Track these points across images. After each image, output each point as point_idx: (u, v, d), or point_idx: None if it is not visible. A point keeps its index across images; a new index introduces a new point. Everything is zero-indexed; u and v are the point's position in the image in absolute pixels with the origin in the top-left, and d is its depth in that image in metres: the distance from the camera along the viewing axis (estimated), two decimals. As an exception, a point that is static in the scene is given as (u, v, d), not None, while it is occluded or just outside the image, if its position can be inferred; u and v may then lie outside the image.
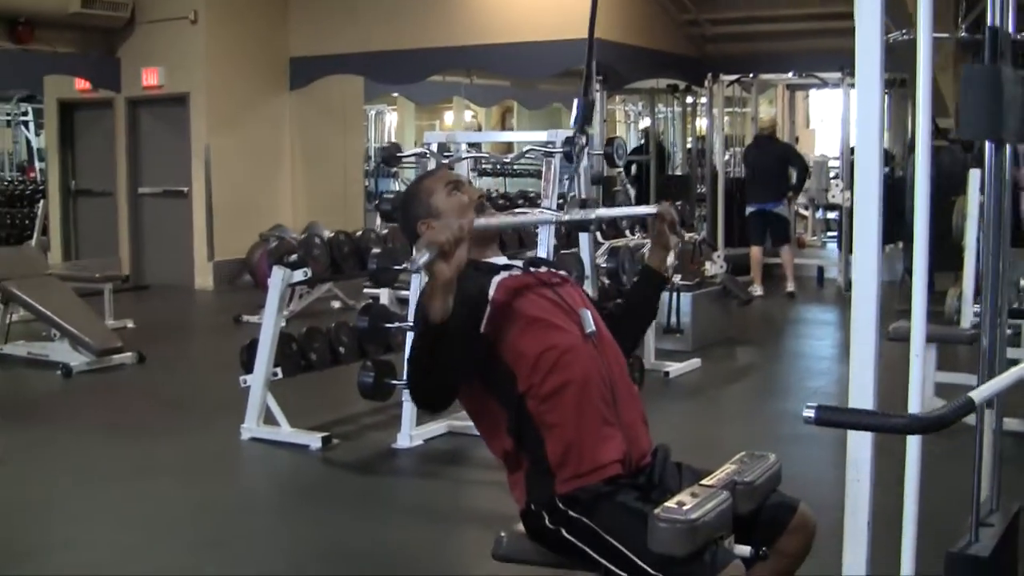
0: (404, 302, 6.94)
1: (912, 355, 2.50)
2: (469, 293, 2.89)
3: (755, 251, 13.18)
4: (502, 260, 3.27)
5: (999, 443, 2.82)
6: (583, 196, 6.97)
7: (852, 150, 8.16)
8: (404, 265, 6.45)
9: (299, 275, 6.87)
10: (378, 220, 8.68)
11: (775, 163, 13.28)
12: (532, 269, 3.25)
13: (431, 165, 7.00)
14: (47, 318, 9.07)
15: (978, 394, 2.16)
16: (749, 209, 13.49)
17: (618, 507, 2.94)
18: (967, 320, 7.22)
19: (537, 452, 3.02)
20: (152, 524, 5.47)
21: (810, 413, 2.20)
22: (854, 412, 2.25)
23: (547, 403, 3.00)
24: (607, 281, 7.86)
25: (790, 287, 13.12)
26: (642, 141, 19.97)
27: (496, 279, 3.13)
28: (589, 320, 3.16)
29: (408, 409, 6.67)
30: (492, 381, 3.06)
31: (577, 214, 4.27)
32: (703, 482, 2.79)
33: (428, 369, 2.83)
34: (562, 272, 3.35)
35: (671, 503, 2.63)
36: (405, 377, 2.99)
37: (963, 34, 10.03)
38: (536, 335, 3.05)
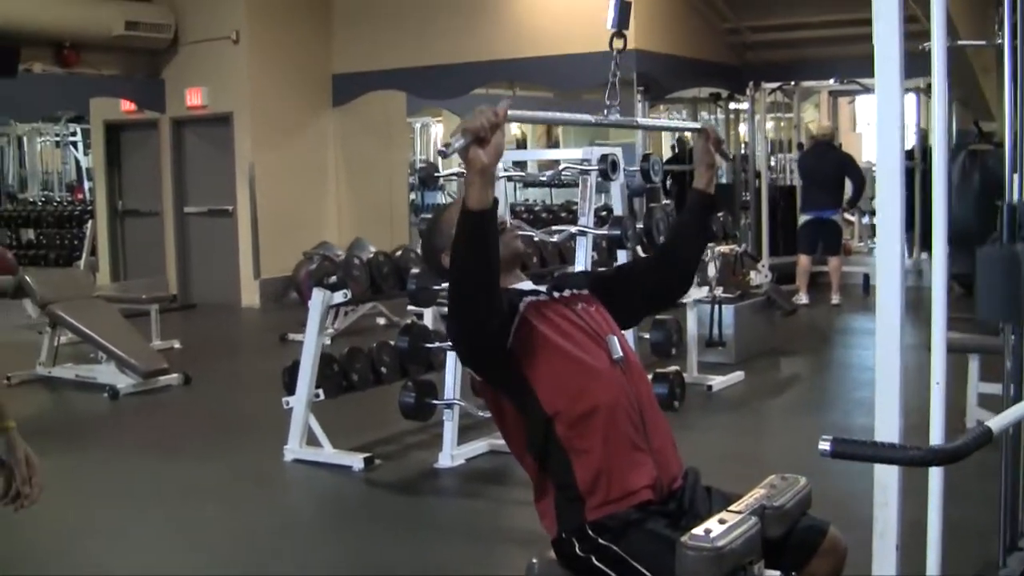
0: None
1: (932, 382, 2.49)
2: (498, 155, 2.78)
3: (803, 260, 13.10)
4: (527, 285, 3.27)
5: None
6: (618, 212, 6.96)
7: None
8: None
9: (339, 297, 6.90)
10: (419, 241, 8.70)
11: (833, 171, 13.18)
12: (556, 294, 3.24)
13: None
14: (93, 340, 9.15)
15: (996, 423, 2.15)
16: (804, 217, 13.41)
17: (647, 534, 2.93)
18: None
19: (566, 478, 3.02)
20: (193, 547, 5.52)
21: (825, 446, 2.19)
22: (871, 445, 2.23)
23: (576, 428, 3.00)
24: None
25: (835, 299, 13.04)
26: (675, 151, 19.99)
27: (525, 300, 3.13)
28: (616, 346, 3.15)
29: (449, 429, 6.69)
30: (520, 403, 3.06)
31: (614, 115, 3.90)
32: (732, 507, 2.77)
33: (466, 260, 2.81)
34: (586, 291, 3.33)
35: (698, 530, 2.62)
36: (449, 308, 2.94)
37: (1000, 41, 9.95)
38: (563, 361, 3.05)
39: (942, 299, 2.46)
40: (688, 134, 18.16)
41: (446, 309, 3.06)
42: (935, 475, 2.54)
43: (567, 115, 3.17)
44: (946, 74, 2.47)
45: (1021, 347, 2.78)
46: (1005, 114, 2.70)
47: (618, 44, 4.29)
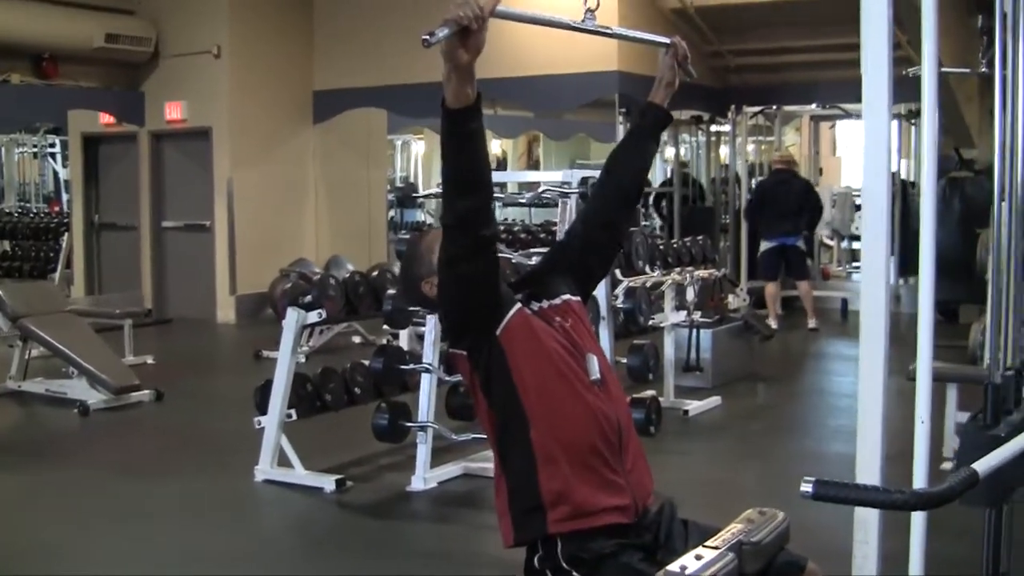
0: (423, 338, 6.92)
1: (917, 420, 2.43)
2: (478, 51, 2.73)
3: (770, 287, 13.06)
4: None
5: (1012, 513, 2.74)
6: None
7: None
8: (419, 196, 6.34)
9: (313, 316, 6.84)
10: (396, 260, 8.64)
11: (794, 198, 13.14)
12: (534, 308, 3.14)
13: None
14: (64, 355, 9.06)
15: (983, 465, 2.09)
16: (766, 244, 13.38)
17: (622, 568, 2.88)
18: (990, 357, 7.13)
19: (528, 482, 2.95)
20: (159, 569, 5.44)
21: (807, 488, 2.13)
22: (854, 487, 2.17)
23: (549, 436, 2.94)
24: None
25: (812, 323, 13.02)
26: (668, 174, 19.94)
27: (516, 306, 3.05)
28: (595, 366, 3.08)
29: (423, 452, 6.62)
30: (495, 393, 2.99)
31: (591, 22, 3.85)
32: (708, 543, 2.71)
33: (456, 164, 2.75)
34: (559, 300, 3.19)
35: (674, 566, 2.55)
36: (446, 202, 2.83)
37: (984, 69, 9.96)
38: (547, 368, 2.97)
39: (928, 334, 2.40)
40: (676, 158, 18.18)
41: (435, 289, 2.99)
42: (917, 522, 2.47)
43: (549, 16, 3.11)
44: (937, 102, 2.42)
45: (1010, 383, 2.73)
46: (995, 142, 2.65)
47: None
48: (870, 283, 2.68)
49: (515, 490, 2.98)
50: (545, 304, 3.18)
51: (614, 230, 3.43)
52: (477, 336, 2.95)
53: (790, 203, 13.09)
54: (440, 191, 2.80)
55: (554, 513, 2.92)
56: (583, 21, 3.19)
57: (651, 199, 17.63)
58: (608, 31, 3.44)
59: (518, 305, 3.01)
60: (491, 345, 2.94)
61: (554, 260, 3.39)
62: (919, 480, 2.46)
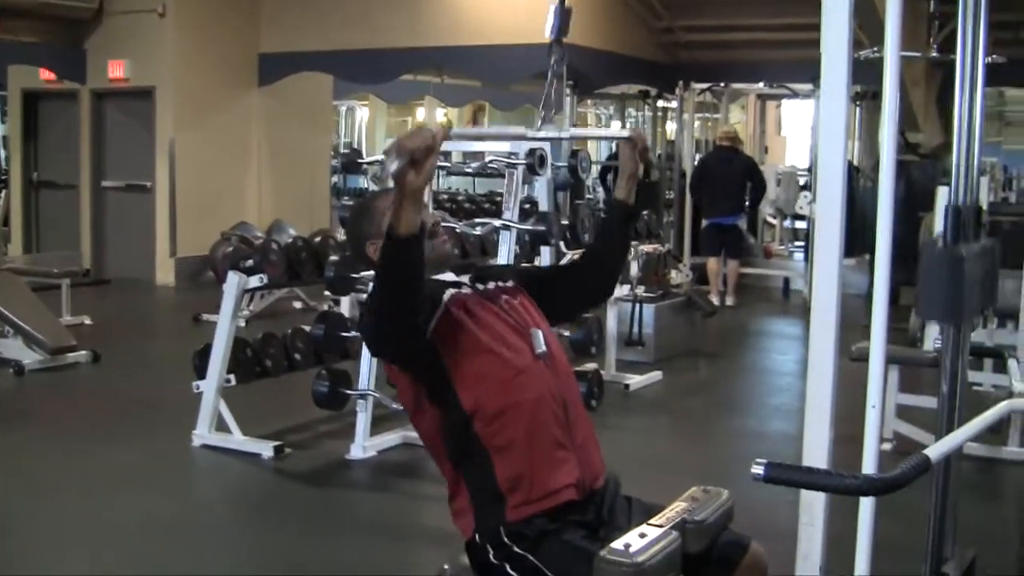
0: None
1: (868, 405, 2.42)
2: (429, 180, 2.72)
3: (712, 262, 13.10)
4: (450, 276, 3.16)
5: (956, 491, 2.74)
6: (545, 208, 6.89)
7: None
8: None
9: (255, 281, 6.77)
10: (339, 226, 8.57)
11: (735, 176, 13.15)
12: (480, 287, 3.14)
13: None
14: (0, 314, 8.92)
15: (934, 451, 2.08)
16: (705, 222, 13.43)
17: (564, 545, 2.85)
18: (930, 340, 7.19)
19: (486, 476, 2.92)
20: (93, 536, 5.36)
21: (759, 470, 2.11)
22: (806, 471, 2.16)
23: (495, 424, 2.91)
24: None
25: (729, 300, 13.13)
26: (613, 148, 19.88)
27: (448, 292, 3.02)
28: (540, 340, 3.06)
29: (362, 420, 6.57)
30: (437, 397, 2.96)
31: (551, 130, 3.98)
32: (652, 521, 2.70)
33: (392, 284, 2.73)
34: (510, 283, 3.24)
35: (617, 544, 2.54)
36: (367, 318, 2.87)
37: (935, 53, 10.02)
38: (485, 356, 2.95)
39: (883, 318, 2.39)
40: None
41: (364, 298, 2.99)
42: (866, 507, 2.47)
43: (502, 130, 3.12)
44: (898, 85, 2.40)
45: (958, 366, 2.72)
46: (954, 121, 2.64)
47: (558, 52, 4.26)
48: (823, 270, 2.67)
49: (478, 487, 2.95)
50: (491, 285, 3.17)
51: (588, 302, 3.66)
52: (409, 350, 2.93)
53: (731, 181, 13.10)
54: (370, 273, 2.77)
55: (513, 499, 2.90)
56: (538, 128, 3.21)
57: (597, 172, 17.59)
58: (565, 135, 3.48)
59: (446, 297, 2.99)
60: (425, 347, 2.91)
61: (521, 270, 3.42)
62: (869, 465, 2.44)
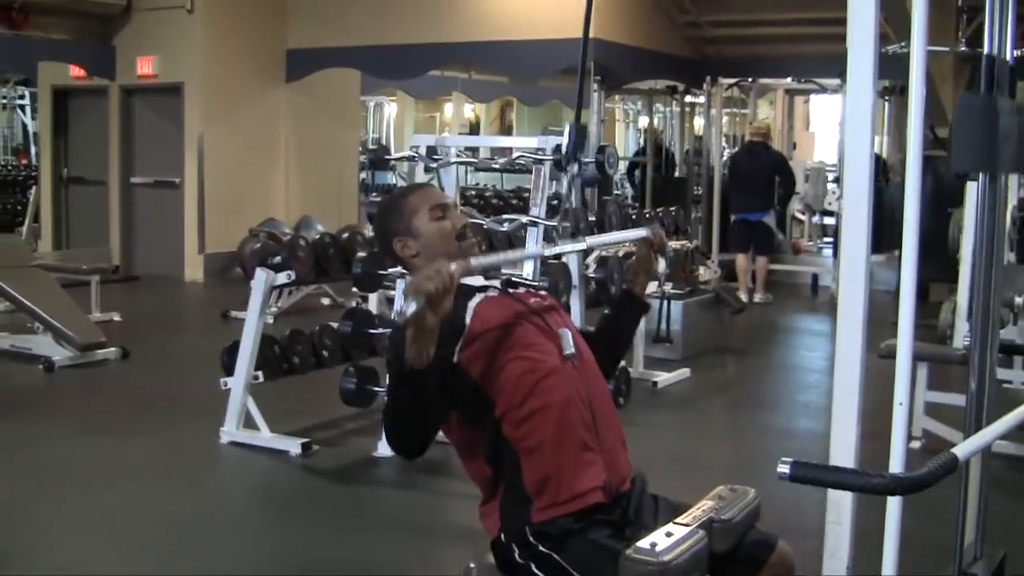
0: (392, 302, 6.88)
1: (896, 402, 2.40)
2: (446, 319, 2.77)
3: (740, 259, 13.06)
4: (479, 281, 3.15)
5: (985, 490, 2.72)
6: (574, 205, 6.87)
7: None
8: (388, 272, 6.31)
9: (282, 278, 6.79)
10: (367, 223, 8.58)
11: (764, 172, 13.09)
12: (510, 291, 3.14)
13: (419, 168, 6.93)
14: (29, 310, 8.97)
15: (962, 450, 2.06)
16: (733, 217, 13.40)
17: (590, 544, 2.85)
18: (960, 337, 7.13)
19: (514, 478, 2.92)
20: (120, 530, 5.37)
21: (784, 470, 2.10)
22: (832, 470, 2.14)
23: (524, 427, 2.91)
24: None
25: (758, 297, 13.06)
26: (641, 144, 19.87)
27: (472, 303, 3.02)
28: (569, 341, 3.06)
29: (390, 416, 6.57)
30: (469, 408, 2.96)
31: (567, 245, 4.12)
32: (678, 520, 2.69)
33: (405, 415, 2.77)
34: (542, 291, 3.24)
35: (643, 543, 2.53)
36: (384, 421, 2.89)
37: (963, 47, 9.95)
38: (514, 359, 2.94)
39: (910, 315, 2.38)
40: (651, 128, 18.14)
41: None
42: (893, 507, 2.45)
43: (517, 254, 3.14)
44: (924, 80, 2.38)
45: (987, 363, 2.70)
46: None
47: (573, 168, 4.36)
48: (850, 266, 2.66)
49: (506, 489, 2.95)
50: (521, 290, 3.18)
51: None
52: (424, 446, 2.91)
53: (759, 177, 13.05)
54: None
55: (539, 501, 2.90)
56: (553, 245, 3.25)
57: (624, 168, 17.58)
58: (583, 246, 3.53)
59: (468, 316, 2.98)
60: (452, 372, 2.91)
61: None
62: (896, 464, 2.43)
